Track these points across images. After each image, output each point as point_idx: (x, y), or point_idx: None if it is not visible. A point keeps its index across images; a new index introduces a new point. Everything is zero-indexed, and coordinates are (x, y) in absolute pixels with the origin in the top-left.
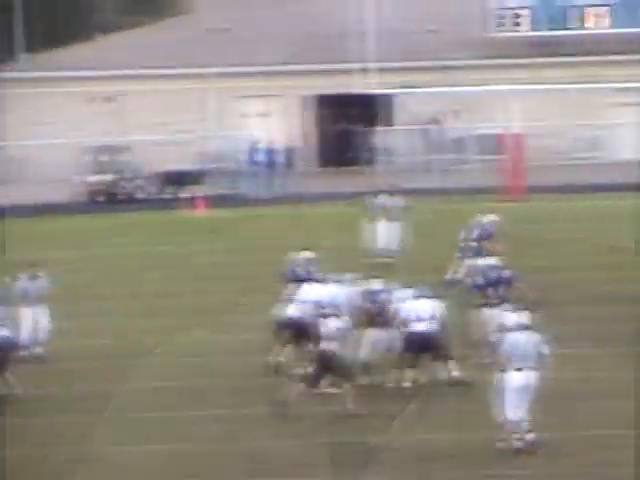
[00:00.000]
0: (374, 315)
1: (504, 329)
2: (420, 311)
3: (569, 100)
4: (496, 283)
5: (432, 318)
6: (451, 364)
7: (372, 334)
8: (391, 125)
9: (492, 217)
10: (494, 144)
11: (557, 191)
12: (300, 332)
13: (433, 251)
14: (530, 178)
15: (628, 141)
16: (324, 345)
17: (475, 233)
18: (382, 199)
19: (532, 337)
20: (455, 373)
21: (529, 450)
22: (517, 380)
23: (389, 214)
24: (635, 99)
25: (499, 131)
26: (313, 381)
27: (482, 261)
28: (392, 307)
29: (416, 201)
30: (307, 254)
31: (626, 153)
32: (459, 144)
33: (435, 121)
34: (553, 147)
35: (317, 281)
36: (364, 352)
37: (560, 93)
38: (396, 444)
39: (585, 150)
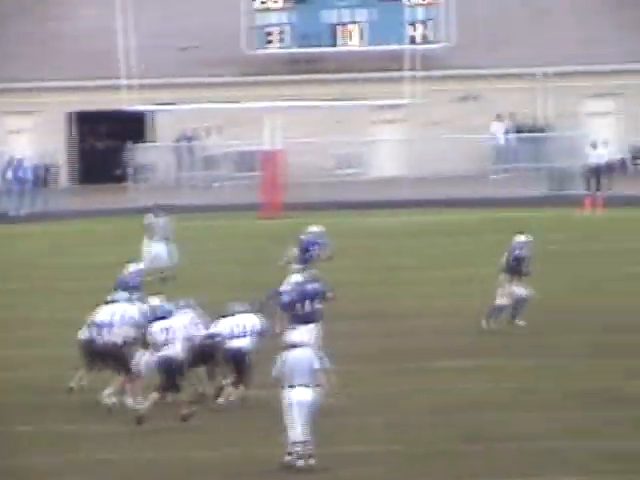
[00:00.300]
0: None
1: (286, 345)
2: (233, 327)
3: (328, 117)
4: (305, 298)
5: (245, 335)
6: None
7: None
8: (146, 142)
9: (316, 229)
10: (251, 161)
11: (316, 208)
12: (102, 353)
13: (204, 267)
14: (288, 195)
15: (387, 158)
16: (165, 351)
17: (297, 248)
18: (147, 218)
19: (306, 353)
20: (232, 398)
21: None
22: (291, 397)
23: (153, 232)
24: (392, 116)
25: (256, 148)
26: (165, 389)
27: (295, 276)
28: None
29: (174, 218)
30: (135, 266)
31: (386, 170)
32: (214, 161)
33: (190, 138)
34: (312, 164)
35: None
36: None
37: (318, 110)
38: (171, 459)
39: (345, 167)
